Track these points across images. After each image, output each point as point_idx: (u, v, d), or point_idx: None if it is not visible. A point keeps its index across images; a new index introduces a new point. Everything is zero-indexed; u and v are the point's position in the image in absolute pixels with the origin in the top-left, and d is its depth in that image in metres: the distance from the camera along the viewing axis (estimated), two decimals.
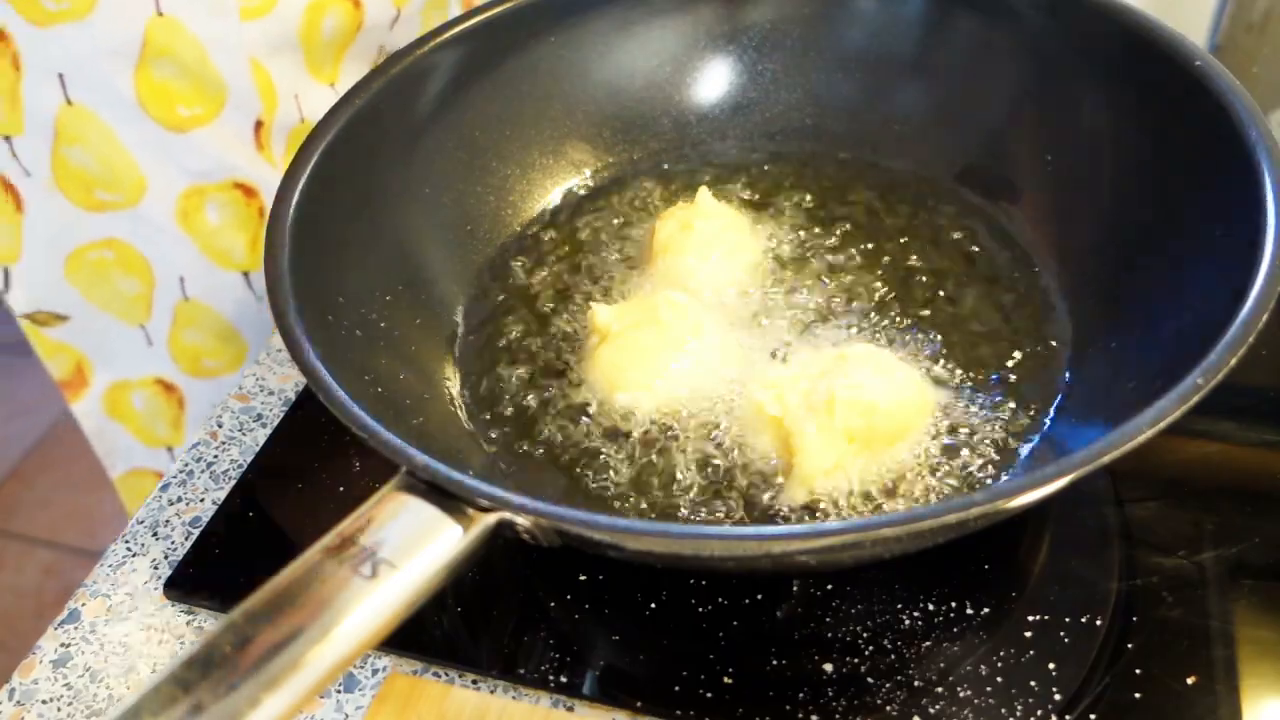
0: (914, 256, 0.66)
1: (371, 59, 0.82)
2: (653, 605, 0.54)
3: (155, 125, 0.75)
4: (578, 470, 0.57)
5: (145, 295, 0.85)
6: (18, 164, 0.76)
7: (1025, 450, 0.55)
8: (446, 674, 0.53)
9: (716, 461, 0.56)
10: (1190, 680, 0.49)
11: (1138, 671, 0.49)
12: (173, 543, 0.60)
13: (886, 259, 0.65)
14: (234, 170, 0.78)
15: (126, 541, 0.60)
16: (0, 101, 0.73)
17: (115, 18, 0.70)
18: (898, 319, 0.62)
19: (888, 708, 0.49)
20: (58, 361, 0.88)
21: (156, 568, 0.59)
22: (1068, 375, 0.58)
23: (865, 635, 0.52)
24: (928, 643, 0.51)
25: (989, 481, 0.54)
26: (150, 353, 0.88)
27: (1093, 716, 0.48)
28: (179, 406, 0.92)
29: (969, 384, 0.58)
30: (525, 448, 0.58)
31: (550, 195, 0.72)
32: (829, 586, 0.54)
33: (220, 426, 0.66)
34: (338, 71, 0.80)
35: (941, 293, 0.63)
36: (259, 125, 0.77)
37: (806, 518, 0.53)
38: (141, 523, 0.61)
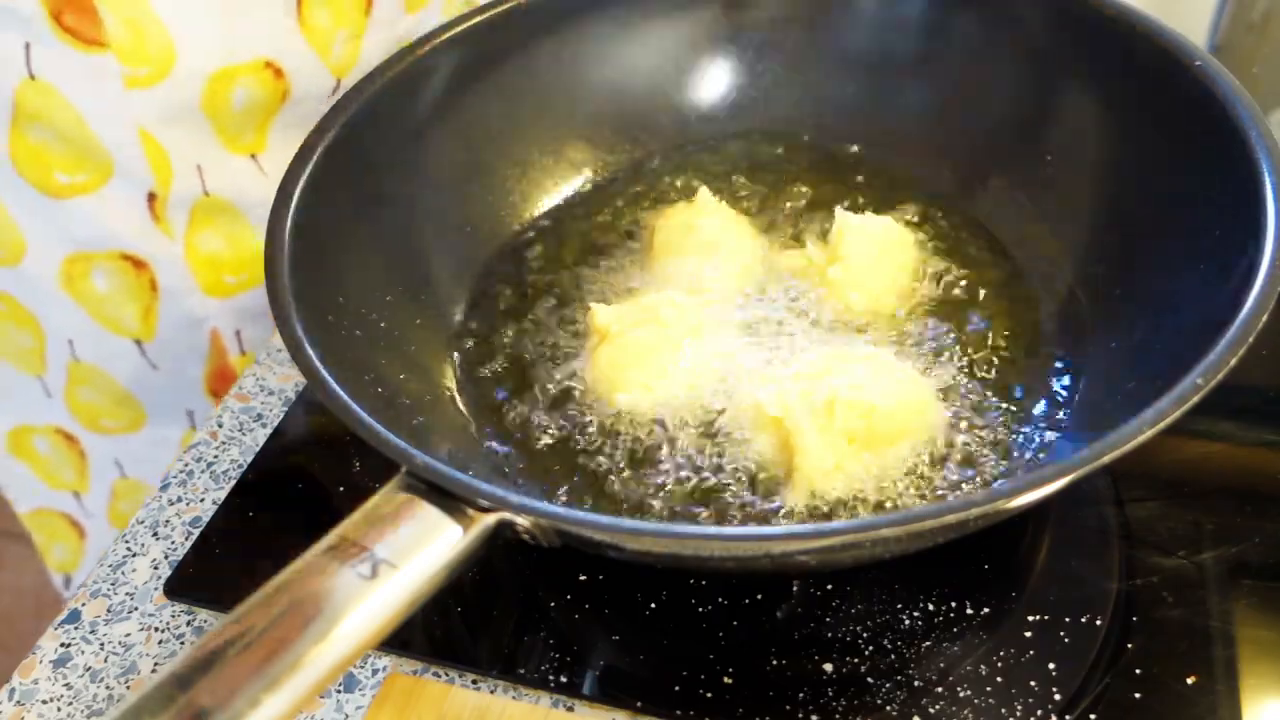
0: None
1: (309, 129, 0.78)
2: (653, 605, 0.54)
3: (31, 189, 0.72)
4: (578, 470, 0.57)
5: (38, 349, 0.82)
6: None
7: (1025, 450, 0.55)
8: (446, 674, 0.53)
9: (717, 462, 0.56)
10: (1190, 680, 0.49)
11: (1138, 671, 0.49)
12: (173, 543, 0.60)
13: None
14: (121, 242, 0.74)
15: (126, 541, 0.60)
16: None
17: None
18: (898, 319, 0.62)
19: (888, 708, 0.49)
20: None
21: (156, 568, 0.59)
22: (1068, 375, 0.58)
23: (865, 635, 0.52)
24: (928, 643, 0.51)
25: (989, 482, 0.54)
26: (49, 403, 0.85)
27: (1093, 716, 0.48)
28: (81, 458, 0.88)
29: (969, 384, 0.58)
30: (525, 448, 0.58)
31: (550, 195, 0.72)
32: (829, 586, 0.54)
33: (220, 426, 0.66)
34: (264, 141, 0.75)
35: (941, 292, 0.63)
36: (152, 197, 0.73)
37: (807, 518, 0.53)
38: (141, 523, 0.61)
